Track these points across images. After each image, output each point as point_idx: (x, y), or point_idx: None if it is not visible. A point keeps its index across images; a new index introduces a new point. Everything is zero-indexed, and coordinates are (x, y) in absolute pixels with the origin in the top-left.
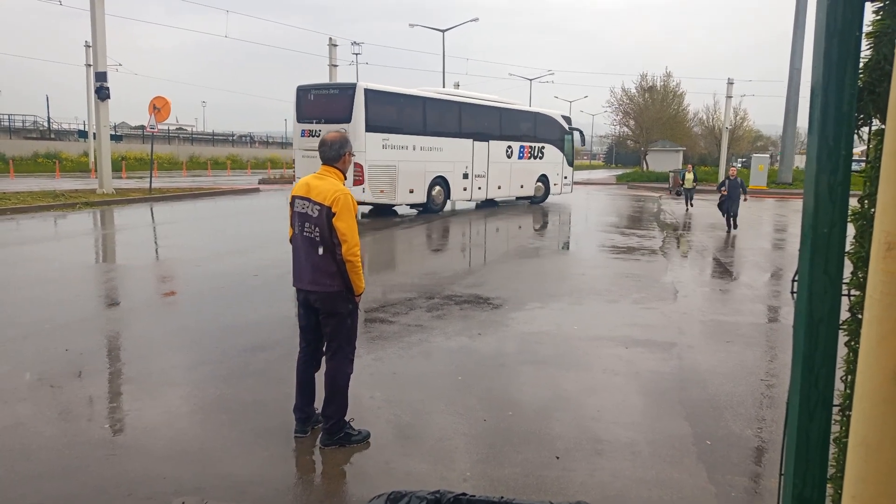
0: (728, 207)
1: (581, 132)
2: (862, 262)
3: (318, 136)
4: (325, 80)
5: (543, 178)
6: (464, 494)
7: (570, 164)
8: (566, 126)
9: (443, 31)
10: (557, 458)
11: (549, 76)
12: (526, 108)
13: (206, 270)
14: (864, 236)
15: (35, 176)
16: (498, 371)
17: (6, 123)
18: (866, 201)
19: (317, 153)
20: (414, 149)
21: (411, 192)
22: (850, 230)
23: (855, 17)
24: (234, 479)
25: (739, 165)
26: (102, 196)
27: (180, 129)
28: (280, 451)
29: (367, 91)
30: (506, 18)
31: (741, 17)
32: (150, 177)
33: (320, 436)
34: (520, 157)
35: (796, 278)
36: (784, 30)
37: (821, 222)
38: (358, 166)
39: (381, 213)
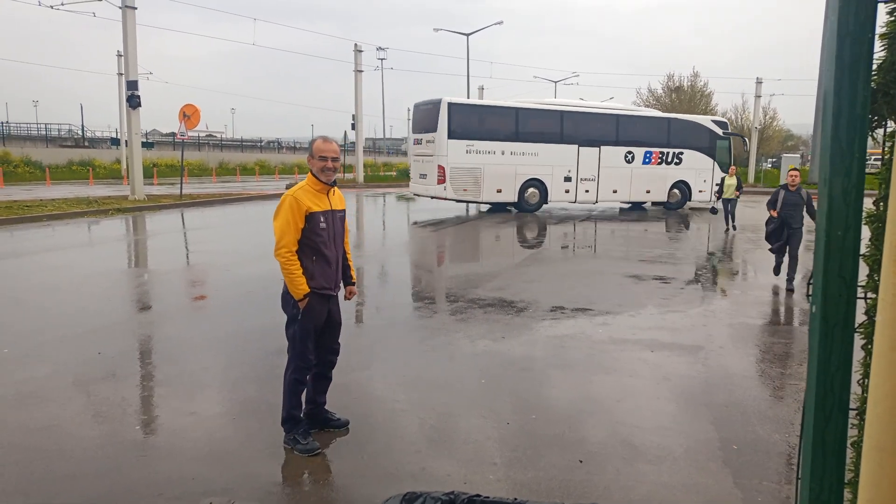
0: (786, 243)
1: (743, 137)
2: (877, 264)
3: (422, 144)
4: (350, 85)
5: (681, 184)
6: (478, 496)
7: (726, 170)
8: (718, 131)
9: (467, 34)
10: (581, 461)
11: (574, 78)
12: (654, 113)
13: (236, 275)
14: (879, 239)
15: (70, 183)
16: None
17: (42, 132)
18: (881, 203)
19: (424, 158)
20: (503, 153)
21: (499, 191)
22: (866, 233)
23: (868, 18)
24: (261, 481)
25: (769, 165)
26: (134, 202)
27: (210, 135)
28: (305, 456)
29: (450, 104)
30: (531, 22)
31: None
32: (181, 183)
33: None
34: (645, 163)
35: (811, 282)
36: (814, 27)
37: (835, 225)
38: (440, 168)
39: (498, 211)
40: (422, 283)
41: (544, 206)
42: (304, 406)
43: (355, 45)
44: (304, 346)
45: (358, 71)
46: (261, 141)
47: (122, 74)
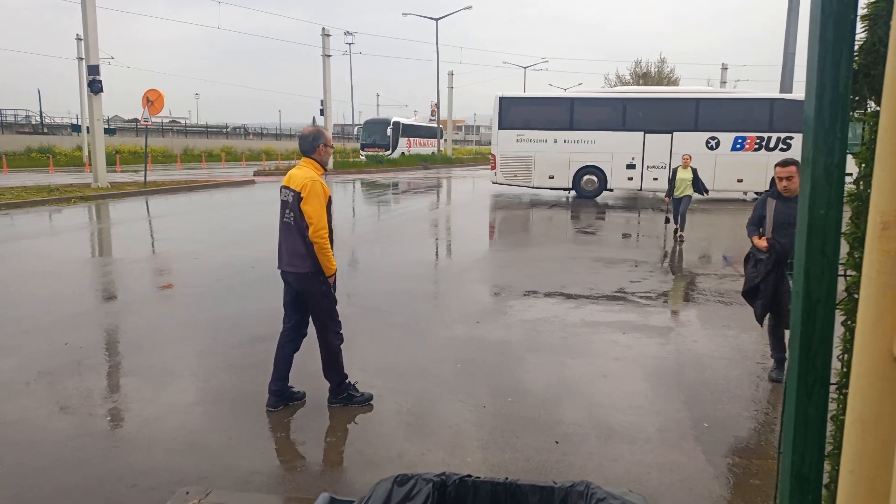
0: (776, 301)
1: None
2: (858, 242)
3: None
4: (318, 70)
5: None
6: (469, 476)
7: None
8: None
9: (436, 19)
10: (557, 442)
11: (543, 64)
12: (748, 95)
13: (204, 263)
14: (860, 217)
15: (29, 171)
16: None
17: None
18: (861, 182)
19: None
20: (555, 142)
21: (551, 177)
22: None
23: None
24: (237, 469)
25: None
26: (97, 190)
27: (174, 121)
28: (282, 440)
29: (501, 98)
30: (503, 9)
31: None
32: (145, 170)
33: (328, 395)
34: (736, 149)
35: (790, 260)
36: (781, 16)
37: (817, 204)
38: (492, 156)
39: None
40: (406, 269)
41: (605, 192)
42: (276, 384)
43: (323, 29)
44: (335, 310)
45: (326, 55)
46: (227, 127)
47: (82, 59)
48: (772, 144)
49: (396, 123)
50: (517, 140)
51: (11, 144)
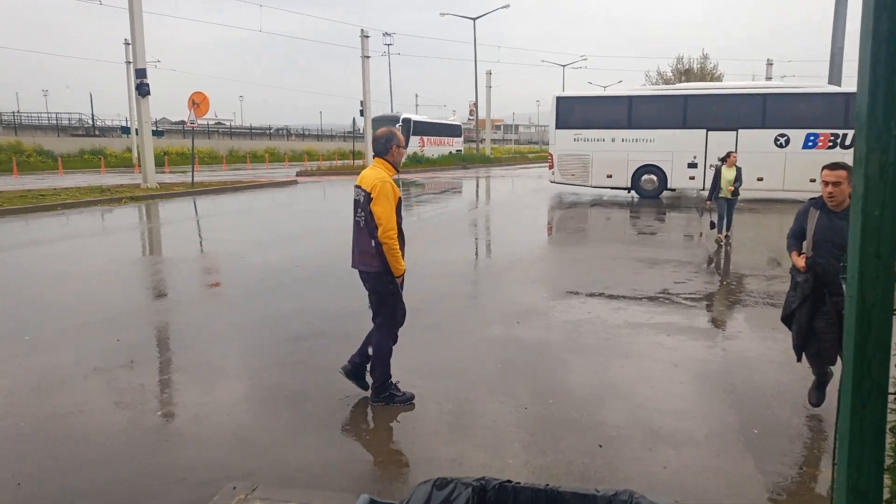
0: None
1: None
2: None
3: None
4: (358, 72)
5: None
6: (508, 482)
7: None
8: None
9: (473, 18)
10: (600, 446)
11: (581, 62)
12: (824, 90)
13: (249, 262)
14: None
15: (82, 172)
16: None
17: (53, 122)
18: None
19: None
20: (612, 140)
21: (609, 176)
22: None
23: None
24: (283, 465)
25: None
26: (147, 190)
27: (219, 123)
28: (327, 438)
29: (558, 98)
30: (542, 5)
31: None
32: (192, 171)
33: (371, 393)
34: (808, 147)
35: (845, 263)
36: (827, 10)
37: (871, 204)
38: (550, 155)
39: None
40: (446, 268)
41: (666, 191)
42: (359, 358)
43: (362, 30)
44: (398, 315)
45: (365, 57)
46: (270, 128)
47: (130, 63)
48: (847, 142)
49: (406, 120)
50: (574, 139)
51: (66, 147)
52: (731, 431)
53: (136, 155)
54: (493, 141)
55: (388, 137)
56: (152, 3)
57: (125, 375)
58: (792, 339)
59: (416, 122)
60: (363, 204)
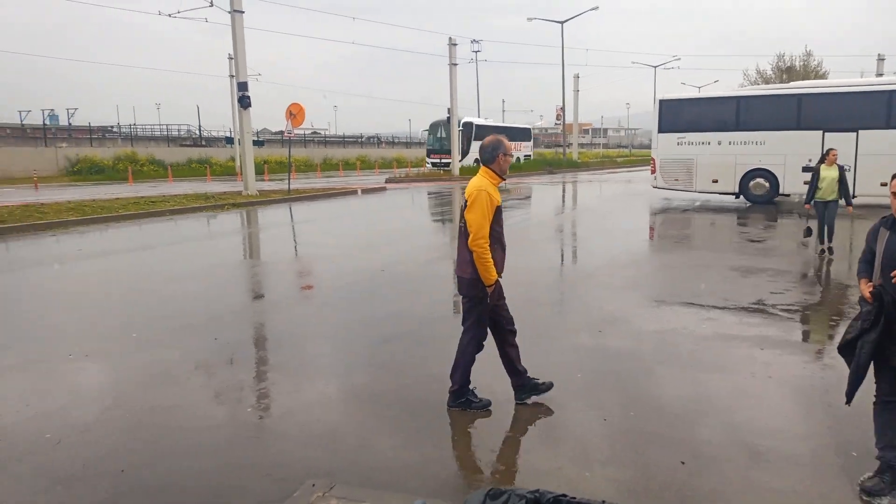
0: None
1: None
2: None
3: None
4: (445, 79)
5: None
6: (564, 496)
7: None
8: None
9: (561, 22)
10: (683, 462)
11: (674, 62)
12: None
13: (340, 266)
14: None
15: (189, 180)
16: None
17: (164, 133)
18: None
19: None
20: (718, 144)
21: (714, 181)
22: None
23: None
24: (362, 465)
25: None
26: (247, 198)
27: (315, 133)
28: (405, 440)
29: (661, 101)
30: (633, 6)
31: None
32: (289, 179)
33: (448, 398)
34: None
35: None
36: None
37: None
38: (652, 160)
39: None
40: (529, 275)
41: (777, 197)
42: (514, 379)
43: (450, 38)
44: (485, 322)
45: (452, 64)
46: (361, 137)
47: (233, 76)
48: None
49: (467, 124)
50: (678, 143)
51: (175, 156)
52: (828, 453)
53: (238, 164)
54: (581, 145)
55: (495, 146)
56: (254, 19)
57: (223, 372)
58: (847, 359)
59: (478, 125)
60: (463, 211)
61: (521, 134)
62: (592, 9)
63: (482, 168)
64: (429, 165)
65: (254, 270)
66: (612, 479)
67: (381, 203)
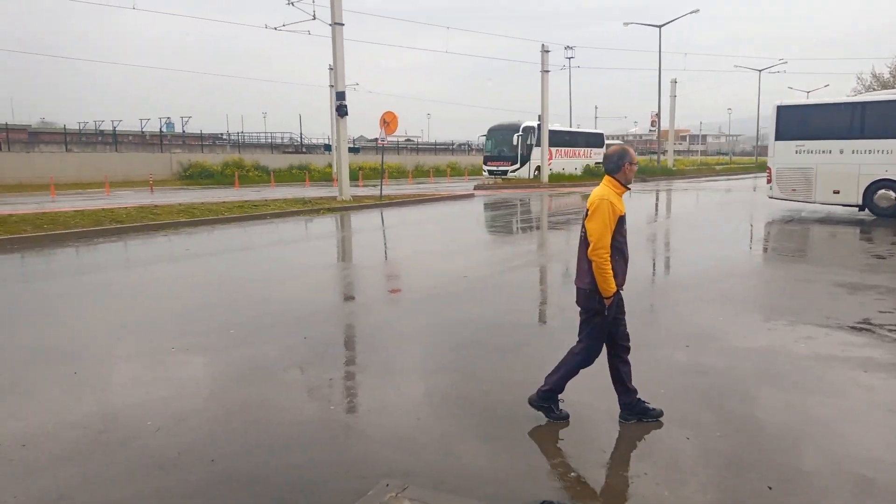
0: None
1: None
2: None
3: None
4: (537, 86)
5: None
6: None
7: None
8: None
9: (659, 26)
10: (770, 488)
11: (780, 66)
12: None
13: (425, 270)
14: None
15: (289, 185)
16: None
17: (269, 141)
18: None
19: None
20: (840, 152)
21: (836, 192)
22: None
23: None
24: (437, 468)
25: None
26: (342, 203)
27: (408, 140)
28: (482, 447)
29: (779, 108)
30: (735, 9)
31: None
32: (381, 185)
33: (531, 396)
34: None
35: None
36: None
37: None
38: (768, 169)
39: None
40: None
41: None
42: (623, 397)
43: (542, 45)
44: (602, 337)
45: (544, 72)
46: (452, 144)
47: (332, 86)
48: None
49: (527, 129)
50: (796, 151)
51: (278, 162)
52: None
53: (334, 170)
54: (677, 152)
55: (621, 155)
56: (354, 30)
57: (311, 370)
58: None
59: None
60: (583, 220)
61: (593, 139)
62: (693, 11)
63: (605, 177)
64: (485, 174)
65: (344, 273)
66: (691, 500)
67: (468, 209)
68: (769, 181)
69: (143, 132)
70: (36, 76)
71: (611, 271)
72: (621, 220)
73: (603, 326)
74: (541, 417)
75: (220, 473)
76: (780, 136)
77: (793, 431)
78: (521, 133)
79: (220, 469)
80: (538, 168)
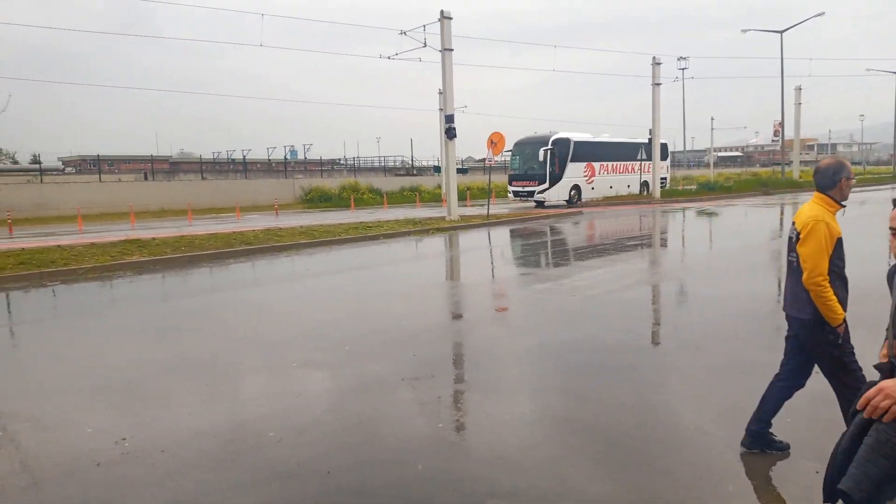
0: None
1: None
2: None
3: None
4: (647, 98)
5: None
6: None
7: None
8: None
9: (780, 32)
10: None
11: None
12: None
13: (529, 290)
14: None
15: (401, 206)
16: None
17: (382, 164)
18: None
19: None
20: None
21: None
22: None
23: None
24: (543, 490)
25: None
26: (450, 223)
27: None
28: (591, 471)
29: None
30: (864, 10)
31: None
32: (488, 204)
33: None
34: None
35: None
36: None
37: None
38: None
39: None
40: (736, 304)
41: None
42: (756, 424)
43: (653, 58)
44: (853, 365)
45: (655, 84)
46: None
47: (441, 109)
48: None
49: (560, 142)
50: None
51: (390, 185)
52: None
53: (444, 191)
54: (804, 163)
55: (837, 169)
56: (464, 54)
57: (420, 387)
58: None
59: (577, 142)
60: (793, 243)
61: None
62: (818, 14)
63: (816, 194)
64: (511, 195)
65: (453, 291)
66: None
67: (573, 227)
68: None
69: (269, 160)
70: (180, 110)
71: (833, 297)
72: (839, 243)
73: (843, 354)
74: (654, 444)
75: (335, 486)
76: None
77: None
78: (549, 147)
79: (334, 482)
80: (574, 188)
